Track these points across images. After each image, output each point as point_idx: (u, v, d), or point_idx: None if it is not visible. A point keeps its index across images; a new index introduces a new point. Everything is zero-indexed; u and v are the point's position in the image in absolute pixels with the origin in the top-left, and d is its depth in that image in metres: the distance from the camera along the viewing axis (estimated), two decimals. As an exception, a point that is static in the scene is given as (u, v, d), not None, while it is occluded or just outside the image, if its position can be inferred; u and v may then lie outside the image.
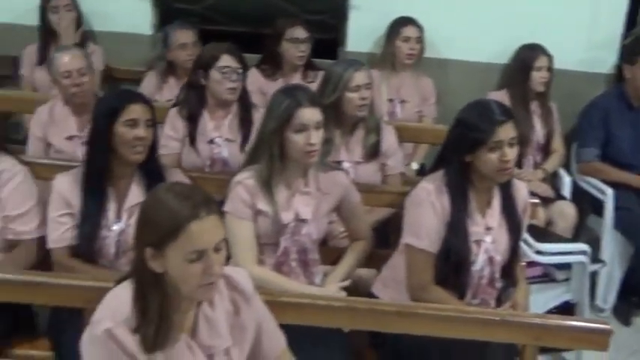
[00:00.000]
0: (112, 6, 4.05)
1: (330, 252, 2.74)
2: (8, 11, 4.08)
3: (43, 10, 3.90)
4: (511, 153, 2.35)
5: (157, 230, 1.69)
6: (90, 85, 3.18)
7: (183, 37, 3.78)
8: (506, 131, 2.34)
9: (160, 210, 1.70)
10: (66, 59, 3.13)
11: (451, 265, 2.41)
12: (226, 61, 3.02)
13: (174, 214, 1.68)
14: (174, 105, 3.18)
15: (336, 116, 2.96)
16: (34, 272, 2.15)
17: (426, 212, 2.42)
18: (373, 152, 3.10)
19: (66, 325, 2.37)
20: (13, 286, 1.99)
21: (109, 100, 2.55)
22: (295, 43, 3.85)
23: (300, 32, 3.85)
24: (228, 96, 3.05)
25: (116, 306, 1.75)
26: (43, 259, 2.55)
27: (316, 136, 2.41)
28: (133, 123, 2.45)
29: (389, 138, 3.16)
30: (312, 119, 2.41)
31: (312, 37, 3.89)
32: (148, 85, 3.79)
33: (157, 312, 1.72)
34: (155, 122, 2.56)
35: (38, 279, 1.97)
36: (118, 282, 1.84)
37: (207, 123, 3.09)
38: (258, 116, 3.13)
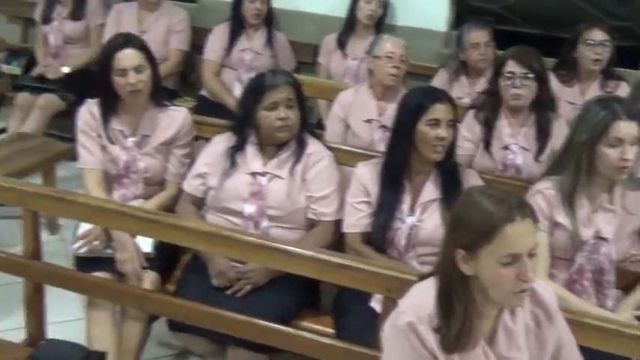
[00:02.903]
0: (417, 1, 4.14)
1: (622, 275, 2.56)
2: (324, 3, 4.33)
3: (354, 2, 4.09)
4: None
5: (471, 232, 1.69)
6: (402, 73, 3.34)
7: (477, 36, 3.76)
8: None
9: (474, 212, 1.70)
10: (389, 43, 3.36)
11: None
12: (511, 66, 2.96)
13: (489, 216, 1.66)
14: (472, 107, 3.18)
15: None
16: (340, 254, 2.26)
17: None
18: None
19: (350, 307, 2.48)
20: (319, 264, 2.11)
21: (416, 97, 2.57)
22: (590, 45, 3.64)
23: (597, 34, 3.63)
24: (512, 102, 2.99)
25: (420, 302, 1.78)
26: (336, 241, 2.68)
27: (631, 152, 2.27)
28: (435, 123, 2.48)
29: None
30: (629, 133, 2.27)
31: (611, 42, 3.65)
32: (438, 82, 3.82)
33: (461, 314, 1.72)
34: (456, 122, 2.58)
35: (347, 262, 2.07)
36: (422, 278, 1.88)
37: (504, 129, 3.05)
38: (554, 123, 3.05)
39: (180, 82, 4.59)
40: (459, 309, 1.73)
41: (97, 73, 2.84)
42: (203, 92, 4.37)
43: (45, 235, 2.99)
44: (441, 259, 1.81)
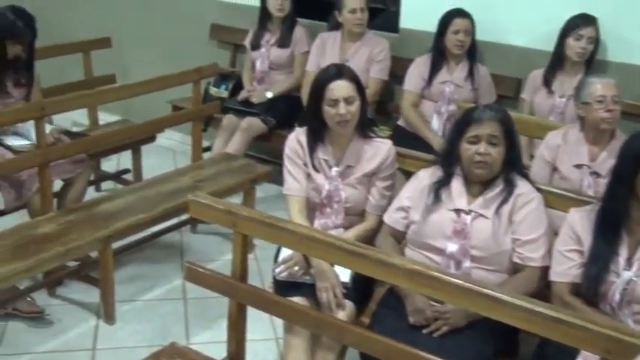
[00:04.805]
0: (631, 36, 3.90)
1: None
2: (524, 36, 4.20)
3: (562, 39, 3.92)
4: None
5: None
6: (617, 115, 3.14)
7: None
8: None
9: None
10: (599, 86, 3.14)
11: None
12: None
13: None
14: None
15: None
16: (555, 306, 2.12)
17: None
18: None
19: (555, 360, 2.34)
20: (531, 315, 1.97)
21: (638, 141, 2.41)
22: None
23: None
24: None
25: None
26: (539, 289, 2.55)
27: None
28: None
29: None
30: None
31: None
32: (655, 124, 3.57)
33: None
34: None
35: (563, 316, 1.92)
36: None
37: None
38: None
39: (376, 111, 4.61)
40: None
41: (308, 102, 2.91)
42: (400, 122, 4.37)
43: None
44: None
